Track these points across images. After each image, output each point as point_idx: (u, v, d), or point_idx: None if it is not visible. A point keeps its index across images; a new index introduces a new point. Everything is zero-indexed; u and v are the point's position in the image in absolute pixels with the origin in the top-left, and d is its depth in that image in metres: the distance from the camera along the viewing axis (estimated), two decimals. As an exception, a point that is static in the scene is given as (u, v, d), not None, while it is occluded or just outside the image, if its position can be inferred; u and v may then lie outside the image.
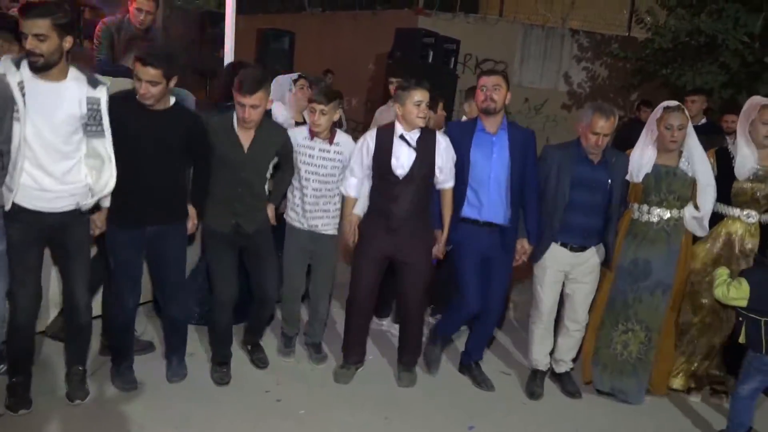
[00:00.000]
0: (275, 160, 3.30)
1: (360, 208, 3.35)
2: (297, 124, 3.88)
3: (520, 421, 3.20)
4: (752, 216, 3.35)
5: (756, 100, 3.36)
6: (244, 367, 3.48)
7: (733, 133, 5.21)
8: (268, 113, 3.30)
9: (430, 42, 7.83)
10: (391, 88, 4.87)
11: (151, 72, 2.75)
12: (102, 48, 4.09)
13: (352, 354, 3.49)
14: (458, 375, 3.59)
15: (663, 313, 3.36)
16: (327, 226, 3.42)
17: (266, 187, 3.31)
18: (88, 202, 2.79)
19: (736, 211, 3.37)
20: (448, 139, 3.29)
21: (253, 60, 7.44)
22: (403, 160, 3.20)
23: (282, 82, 4.02)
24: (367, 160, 3.26)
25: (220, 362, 3.37)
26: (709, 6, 7.01)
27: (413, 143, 3.20)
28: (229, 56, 4.72)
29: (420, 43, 7.77)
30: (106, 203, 2.89)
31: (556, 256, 3.33)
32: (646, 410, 3.42)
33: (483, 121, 3.30)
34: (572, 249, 3.31)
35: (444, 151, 3.25)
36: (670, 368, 3.49)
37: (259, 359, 3.52)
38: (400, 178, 3.19)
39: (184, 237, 3.15)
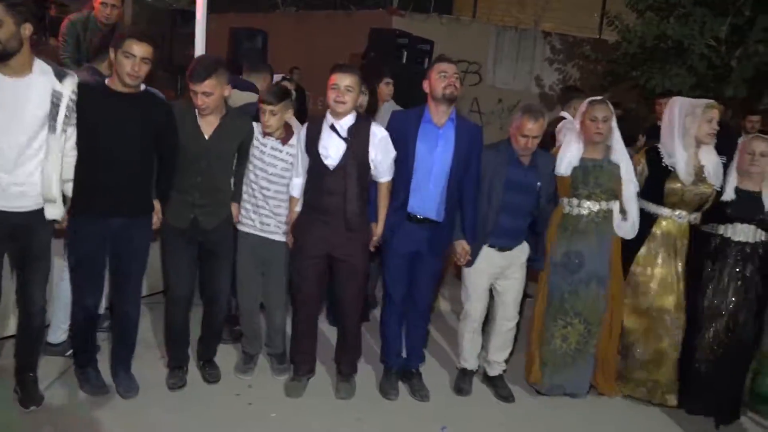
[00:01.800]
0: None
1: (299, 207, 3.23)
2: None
3: (492, 422, 3.21)
4: (683, 216, 3.41)
5: (689, 101, 3.40)
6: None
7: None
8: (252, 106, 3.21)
9: (404, 42, 7.81)
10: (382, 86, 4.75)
11: (145, 48, 2.74)
12: (68, 46, 4.01)
13: (302, 364, 3.35)
14: (431, 375, 3.57)
15: (603, 305, 3.38)
16: (278, 228, 3.28)
17: (231, 182, 3.24)
18: (52, 197, 2.70)
19: (668, 211, 3.42)
20: (385, 132, 3.14)
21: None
22: (332, 150, 3.06)
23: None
24: (303, 155, 3.14)
25: (176, 366, 3.28)
26: (677, 10, 7.15)
27: (344, 133, 3.07)
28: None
29: (394, 43, 7.75)
30: (68, 192, 2.81)
31: (486, 258, 3.31)
32: (617, 409, 3.46)
33: (432, 110, 3.18)
34: (500, 249, 3.31)
35: (379, 144, 3.09)
36: (614, 369, 3.50)
37: (210, 375, 3.34)
38: (331, 169, 3.06)
39: (149, 231, 3.07)
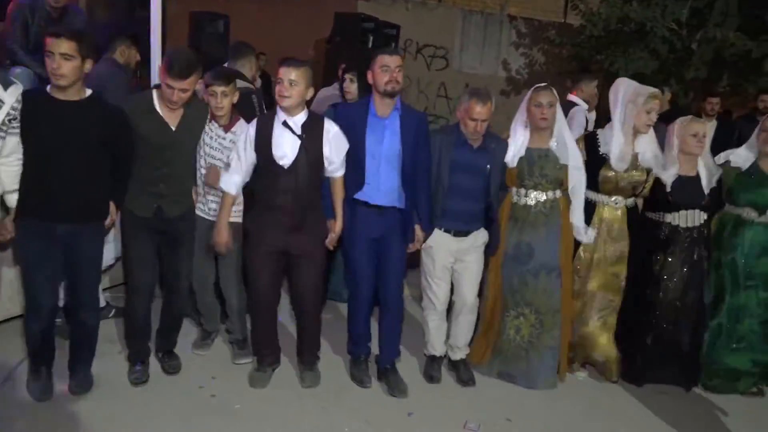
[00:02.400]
0: None
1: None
2: None
3: (458, 408, 3.22)
4: (619, 201, 3.46)
5: (633, 87, 3.39)
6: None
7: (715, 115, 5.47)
8: None
9: (369, 27, 7.74)
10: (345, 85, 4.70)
11: (63, 44, 2.58)
12: (15, 31, 3.84)
13: (266, 355, 3.32)
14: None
15: (557, 295, 3.39)
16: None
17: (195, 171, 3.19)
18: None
19: (605, 198, 3.47)
20: (337, 128, 3.09)
21: (187, 45, 7.18)
22: (286, 148, 2.98)
23: None
24: (251, 154, 3.04)
25: (137, 360, 3.20)
26: (639, -7, 7.21)
27: (297, 130, 3.00)
28: (156, 41, 4.51)
29: (360, 28, 7.66)
30: (10, 202, 2.75)
31: (442, 243, 3.30)
32: (573, 395, 3.49)
33: (377, 102, 3.14)
34: (456, 234, 3.30)
35: (333, 139, 3.05)
36: (566, 354, 3.52)
37: (170, 366, 3.28)
38: (285, 168, 2.99)
39: (101, 237, 2.98)
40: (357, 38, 7.58)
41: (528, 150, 3.33)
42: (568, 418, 3.20)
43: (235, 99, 3.16)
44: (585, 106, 4.83)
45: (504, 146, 3.35)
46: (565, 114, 3.99)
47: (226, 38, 7.60)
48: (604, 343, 3.54)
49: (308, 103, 3.23)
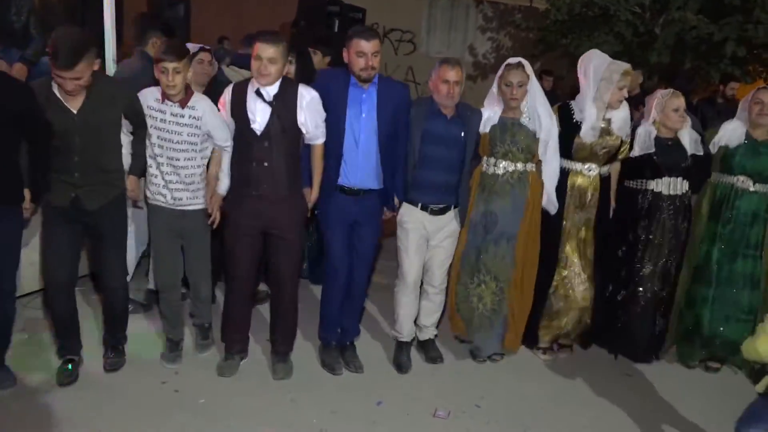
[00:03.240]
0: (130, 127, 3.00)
1: (223, 188, 3.10)
2: None
3: (427, 396, 3.20)
4: (593, 169, 3.48)
5: (606, 62, 3.41)
6: (140, 358, 3.26)
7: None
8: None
9: (335, 11, 7.61)
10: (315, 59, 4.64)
11: None
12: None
13: (235, 343, 3.25)
14: (365, 351, 3.51)
15: (511, 263, 3.41)
16: (192, 200, 3.11)
17: (126, 157, 3.04)
18: None
19: (578, 166, 3.48)
20: (314, 93, 3.00)
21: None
22: (258, 116, 2.94)
23: None
24: (229, 118, 3.01)
25: (63, 358, 3.05)
26: (603, -23, 7.23)
27: (269, 98, 2.93)
28: (110, 27, 4.33)
29: (325, 11, 7.53)
30: None
31: (417, 218, 3.28)
32: (541, 378, 3.51)
33: (354, 78, 3.07)
34: (432, 212, 3.27)
35: (308, 106, 2.97)
36: (523, 326, 3.55)
37: (110, 363, 3.13)
38: (258, 134, 2.94)
39: (16, 222, 2.82)
40: (322, 22, 7.46)
41: (501, 118, 3.34)
42: (537, 403, 3.22)
43: (188, 76, 2.99)
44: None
45: (478, 115, 3.33)
46: None
47: (187, 23, 7.38)
48: (576, 312, 3.56)
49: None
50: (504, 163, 3.34)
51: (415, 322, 3.51)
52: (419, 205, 3.28)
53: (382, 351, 3.59)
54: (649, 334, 3.63)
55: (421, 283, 3.45)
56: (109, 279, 3.08)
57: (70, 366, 3.04)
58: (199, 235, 3.19)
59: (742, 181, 3.53)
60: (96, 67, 2.78)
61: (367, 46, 2.97)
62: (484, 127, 3.34)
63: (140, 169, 3.07)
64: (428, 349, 3.51)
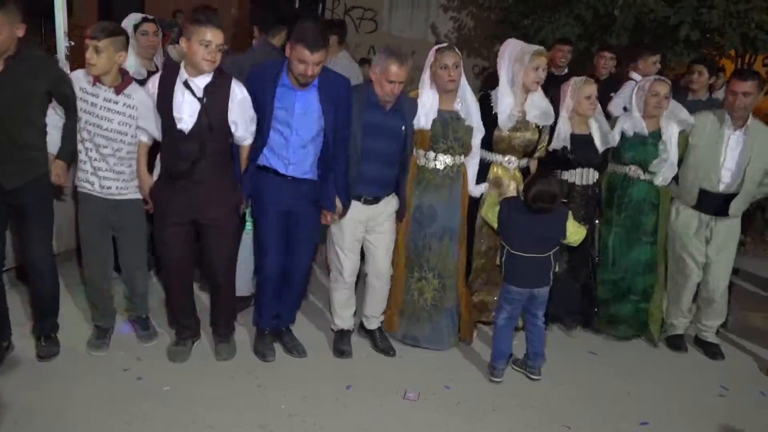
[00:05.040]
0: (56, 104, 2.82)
1: (157, 172, 2.99)
2: (149, 74, 3.48)
3: (396, 378, 3.20)
4: (512, 162, 3.53)
5: (520, 46, 3.44)
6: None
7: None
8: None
9: (296, -14, 7.45)
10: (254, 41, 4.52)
11: None
12: None
13: (184, 329, 3.19)
14: (330, 336, 3.48)
15: (455, 259, 3.43)
16: (124, 190, 2.98)
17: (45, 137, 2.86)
18: None
19: (499, 158, 3.52)
20: (246, 93, 2.88)
21: (97, 4, 6.67)
22: (185, 111, 2.78)
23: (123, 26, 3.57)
24: (156, 113, 2.86)
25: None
26: (564, -42, 7.24)
27: (199, 93, 2.79)
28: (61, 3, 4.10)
29: (286, -14, 7.36)
30: None
31: (352, 212, 3.19)
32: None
33: (290, 75, 2.93)
34: (366, 201, 3.20)
35: (239, 104, 2.86)
36: (472, 316, 3.60)
37: (42, 350, 3.01)
38: (185, 133, 2.79)
39: None
40: (283, -3, 7.29)
41: (440, 112, 3.28)
42: (506, 383, 3.25)
43: (120, 59, 2.80)
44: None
45: (415, 105, 3.25)
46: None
47: (141, -4, 7.11)
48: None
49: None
50: (444, 157, 3.32)
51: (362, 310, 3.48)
52: (353, 195, 3.17)
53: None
54: (570, 308, 3.76)
55: (366, 274, 3.40)
56: (34, 261, 2.92)
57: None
58: (132, 226, 3.06)
59: (634, 170, 3.64)
60: (21, 34, 2.63)
61: (310, 57, 2.82)
62: (426, 123, 3.25)
63: (69, 154, 2.89)
64: (377, 340, 3.45)
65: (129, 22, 3.62)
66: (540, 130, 3.51)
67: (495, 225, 3.24)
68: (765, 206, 5.92)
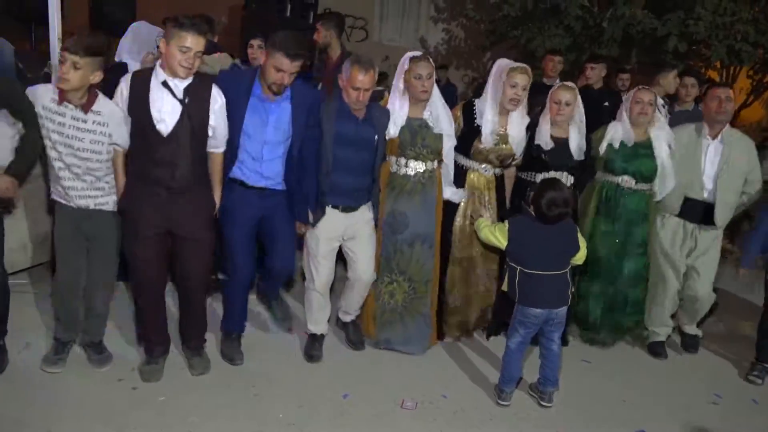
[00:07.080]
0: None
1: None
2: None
3: (393, 387, 3.18)
4: (488, 169, 3.55)
5: (504, 62, 3.45)
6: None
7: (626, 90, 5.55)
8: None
9: (287, -6, 7.44)
10: (250, 51, 4.54)
11: None
12: None
13: (155, 346, 3.04)
14: (331, 346, 3.47)
15: (429, 265, 3.42)
16: (103, 204, 2.87)
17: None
18: None
19: (475, 164, 3.54)
20: (223, 99, 2.83)
21: (88, 10, 6.63)
22: (166, 113, 2.68)
23: (146, 33, 3.49)
24: (126, 116, 2.75)
25: None
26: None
27: (179, 94, 2.69)
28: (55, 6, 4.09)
29: (277, -6, 7.36)
30: None
31: (329, 220, 3.17)
32: (452, 351, 3.54)
33: (264, 85, 2.92)
34: (344, 209, 3.18)
35: (219, 111, 2.81)
36: (441, 320, 3.61)
37: None
38: (164, 136, 2.70)
39: None
40: (274, 6, 7.28)
41: (408, 120, 3.29)
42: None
43: (94, 79, 2.65)
44: (660, 102, 4.07)
45: (387, 115, 3.26)
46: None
47: (133, 5, 7.07)
48: (477, 307, 3.65)
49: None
50: (414, 163, 3.32)
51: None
52: (330, 204, 3.16)
53: (343, 346, 3.54)
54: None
55: (348, 279, 3.39)
56: None
57: None
58: (106, 238, 2.92)
59: (626, 181, 3.65)
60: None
61: (289, 65, 2.80)
62: (395, 132, 3.25)
63: (19, 171, 2.73)
64: (349, 332, 3.50)
65: (153, 31, 3.63)
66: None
67: (502, 245, 3.11)
68: (752, 216, 6.00)
